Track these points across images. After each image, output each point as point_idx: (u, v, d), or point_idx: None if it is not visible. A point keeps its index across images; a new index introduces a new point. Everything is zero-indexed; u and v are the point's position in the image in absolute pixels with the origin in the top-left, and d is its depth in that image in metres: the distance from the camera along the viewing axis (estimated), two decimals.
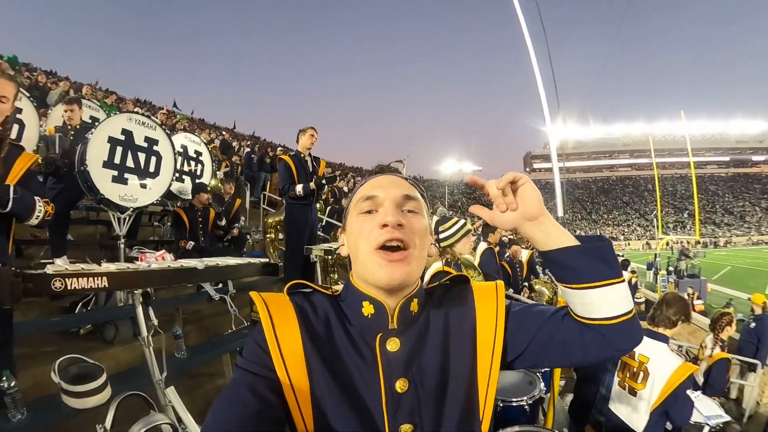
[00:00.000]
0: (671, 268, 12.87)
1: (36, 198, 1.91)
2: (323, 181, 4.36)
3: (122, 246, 3.58)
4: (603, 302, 0.62)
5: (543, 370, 2.62)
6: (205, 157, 5.81)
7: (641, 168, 69.91)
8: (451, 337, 0.71)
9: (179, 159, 5.12)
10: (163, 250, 2.66)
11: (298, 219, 4.34)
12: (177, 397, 2.24)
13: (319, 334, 0.67)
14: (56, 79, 8.96)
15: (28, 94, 3.98)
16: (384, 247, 0.65)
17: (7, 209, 1.75)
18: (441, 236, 2.72)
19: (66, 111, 3.75)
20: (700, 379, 3.16)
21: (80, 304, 3.01)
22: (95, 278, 1.72)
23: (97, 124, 3.54)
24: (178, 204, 5.05)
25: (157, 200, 4.02)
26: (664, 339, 2.20)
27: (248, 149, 9.93)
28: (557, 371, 2.78)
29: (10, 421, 1.69)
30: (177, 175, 4.73)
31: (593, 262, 0.62)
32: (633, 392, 2.20)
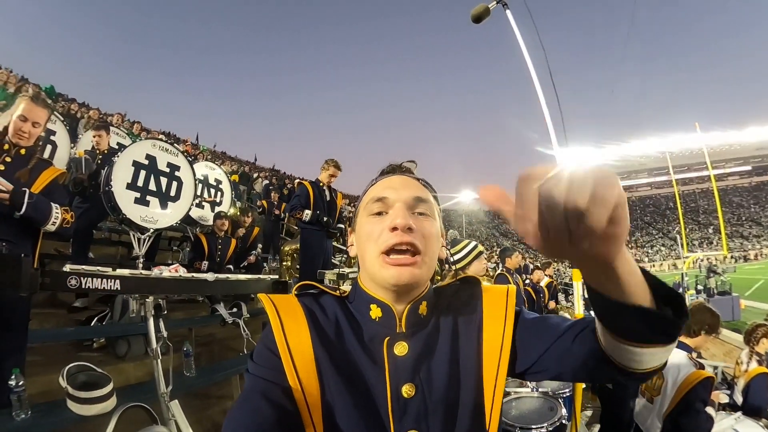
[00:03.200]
0: (700, 287, 12.09)
1: (54, 205, 2.02)
2: (333, 229, 4.44)
3: (140, 266, 3.67)
4: (648, 359, 0.52)
5: (564, 395, 2.49)
6: (225, 186, 6.03)
7: (660, 186, 67.58)
8: (459, 340, 0.70)
9: (200, 186, 5.35)
10: (177, 264, 2.73)
11: (312, 245, 4.38)
12: (180, 411, 2.21)
13: (329, 337, 0.66)
14: (88, 108, 9.64)
15: (62, 118, 4.29)
16: (393, 251, 0.64)
17: (21, 212, 1.86)
18: (453, 259, 2.70)
19: (95, 136, 4.02)
20: (739, 398, 2.89)
21: (96, 318, 3.06)
22: (108, 280, 1.78)
23: (123, 148, 3.76)
24: (198, 229, 5.21)
25: (176, 223, 4.16)
26: (683, 347, 2.16)
27: (266, 181, 10.25)
28: (579, 396, 2.61)
29: (14, 420, 1.70)
30: (197, 201, 4.92)
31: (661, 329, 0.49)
32: (651, 400, 2.18)
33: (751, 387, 2.82)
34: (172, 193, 4.14)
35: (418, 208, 0.69)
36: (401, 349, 0.66)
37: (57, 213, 2.04)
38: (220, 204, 5.75)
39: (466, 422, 0.64)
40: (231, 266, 4.91)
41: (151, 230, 3.80)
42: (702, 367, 2.06)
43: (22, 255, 1.73)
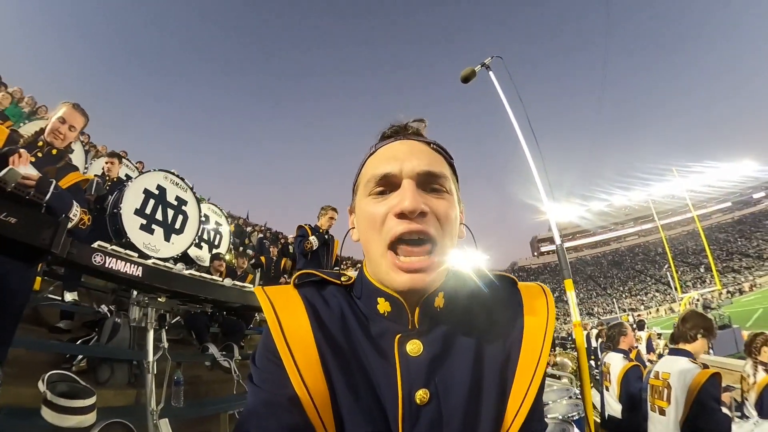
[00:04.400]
0: None
1: (75, 203, 2.06)
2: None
3: (135, 293, 3.54)
4: None
5: (576, 418, 2.40)
6: (224, 230, 6.04)
7: (648, 233, 68.96)
8: (486, 344, 0.59)
9: (201, 226, 5.37)
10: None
11: None
12: (169, 429, 2.00)
13: (334, 333, 0.58)
14: (95, 145, 9.85)
15: (82, 139, 4.45)
16: (401, 242, 0.54)
17: (46, 198, 1.87)
18: None
19: (107, 162, 4.12)
20: (753, 413, 2.74)
21: (80, 341, 2.85)
22: (132, 265, 1.75)
23: (137, 174, 3.87)
24: (196, 269, 5.10)
25: (177, 255, 4.11)
26: (684, 353, 2.19)
27: (261, 235, 10.25)
28: (590, 418, 2.50)
29: None
30: (196, 240, 4.90)
31: None
32: (662, 412, 2.15)
33: (764, 397, 2.72)
34: (177, 225, 4.17)
35: (431, 184, 0.58)
36: (414, 347, 0.57)
37: (76, 210, 2.07)
38: (218, 246, 5.71)
39: None
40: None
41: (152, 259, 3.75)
42: (706, 366, 2.07)
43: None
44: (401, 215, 0.54)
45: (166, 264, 2.01)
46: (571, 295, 2.74)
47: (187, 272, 2.10)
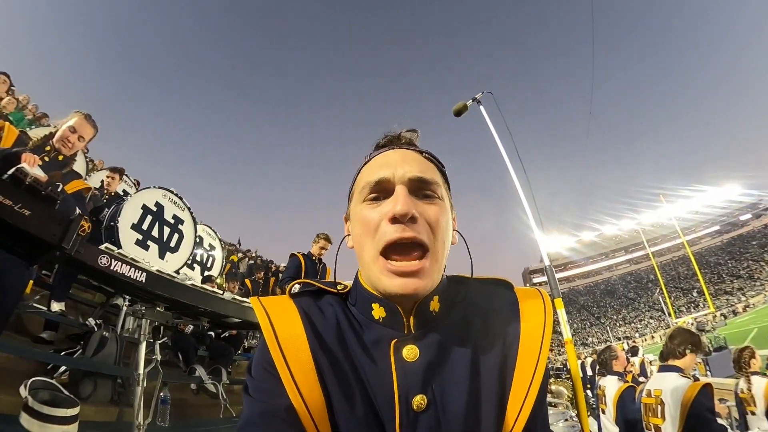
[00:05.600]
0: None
1: (77, 209, 2.07)
2: None
3: (124, 308, 3.45)
4: None
5: None
6: (217, 253, 5.97)
7: (639, 261, 68.56)
8: (483, 348, 0.59)
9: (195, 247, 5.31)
10: None
11: None
12: None
13: (330, 342, 0.57)
14: (92, 159, 9.84)
15: (86, 150, 4.47)
16: (394, 249, 0.55)
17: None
18: None
19: (108, 176, 4.11)
20: (764, 423, 2.69)
21: (63, 353, 2.74)
22: (137, 271, 1.74)
23: (134, 190, 3.88)
24: None
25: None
26: (674, 369, 2.21)
27: (251, 262, 10.11)
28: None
29: None
30: (190, 261, 4.84)
31: None
32: (658, 429, 2.14)
33: None
34: (172, 244, 4.13)
35: (423, 190, 0.59)
36: (410, 352, 0.57)
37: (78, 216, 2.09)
38: (210, 269, 5.63)
39: None
40: (212, 333, 4.61)
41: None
42: (696, 379, 2.08)
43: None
44: (394, 220, 0.54)
45: (172, 273, 2.00)
46: (561, 313, 2.78)
47: (189, 282, 2.09)
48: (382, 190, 0.58)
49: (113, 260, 1.66)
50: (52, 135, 2.28)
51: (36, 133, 2.98)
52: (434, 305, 0.59)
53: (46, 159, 2.18)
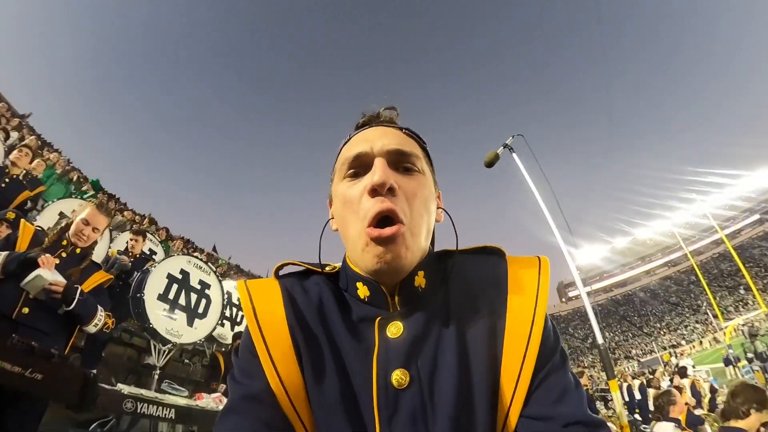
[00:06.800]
0: (750, 355, 10.44)
1: (99, 307, 2.09)
2: None
3: (156, 376, 3.50)
4: None
5: None
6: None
7: (677, 262, 63.41)
8: (472, 323, 0.55)
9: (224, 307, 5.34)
10: (220, 393, 2.60)
11: None
12: None
13: (310, 322, 0.56)
14: (118, 205, 10.15)
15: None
16: (377, 223, 0.53)
17: (71, 307, 1.92)
18: None
19: (131, 239, 4.23)
20: None
21: (97, 423, 2.75)
22: (164, 408, 1.70)
23: (155, 257, 3.92)
24: (216, 347, 5.04)
25: (200, 341, 4.08)
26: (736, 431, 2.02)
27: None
28: None
29: None
30: (220, 322, 4.87)
31: None
32: None
33: None
34: (200, 310, 4.18)
35: (402, 163, 0.58)
36: (395, 329, 0.54)
37: (101, 315, 2.10)
38: (240, 324, 5.66)
39: (475, 428, 0.49)
40: None
41: (174, 343, 3.72)
42: None
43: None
44: (373, 192, 0.53)
45: (198, 403, 1.95)
46: (616, 396, 2.57)
47: (213, 405, 2.04)
48: (361, 165, 0.57)
49: (138, 403, 1.62)
50: (68, 227, 2.29)
51: (53, 209, 2.98)
52: (419, 281, 0.57)
53: (64, 255, 2.18)
